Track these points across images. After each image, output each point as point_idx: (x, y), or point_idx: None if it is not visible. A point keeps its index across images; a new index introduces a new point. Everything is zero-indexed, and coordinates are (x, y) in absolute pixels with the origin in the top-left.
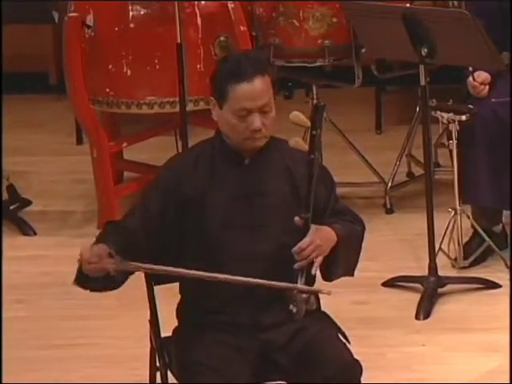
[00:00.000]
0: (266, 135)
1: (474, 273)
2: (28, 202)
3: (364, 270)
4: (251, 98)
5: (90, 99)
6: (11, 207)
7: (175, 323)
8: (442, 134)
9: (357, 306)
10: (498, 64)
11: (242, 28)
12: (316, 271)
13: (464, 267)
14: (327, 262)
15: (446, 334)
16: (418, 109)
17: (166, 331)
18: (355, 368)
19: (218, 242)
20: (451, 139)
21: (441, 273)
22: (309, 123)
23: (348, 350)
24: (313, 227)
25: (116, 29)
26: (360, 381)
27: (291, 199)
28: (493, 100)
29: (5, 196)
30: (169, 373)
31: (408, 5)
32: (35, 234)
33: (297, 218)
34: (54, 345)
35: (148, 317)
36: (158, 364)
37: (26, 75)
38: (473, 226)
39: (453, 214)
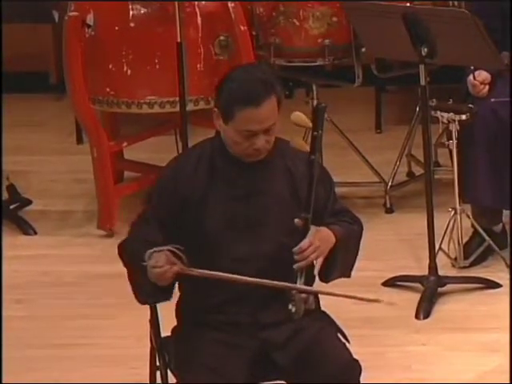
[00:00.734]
0: (268, 149)
1: (474, 272)
2: (28, 202)
3: (364, 270)
4: (258, 121)
5: (90, 99)
6: (11, 207)
7: (175, 323)
8: (442, 133)
9: (357, 306)
10: (498, 64)
11: (242, 27)
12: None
13: (464, 267)
14: (325, 263)
15: (446, 333)
16: (417, 109)
17: (166, 331)
18: (354, 368)
19: (217, 241)
20: (451, 139)
21: (441, 272)
22: (310, 124)
23: (347, 349)
24: (312, 228)
25: (116, 28)
26: (359, 380)
27: (291, 199)
28: (493, 100)
29: (5, 195)
30: (169, 372)
31: (408, 4)
32: (35, 233)
33: (297, 220)
34: (54, 345)
35: (148, 317)
36: (157, 364)
37: (25, 75)
38: (473, 226)
39: (453, 213)
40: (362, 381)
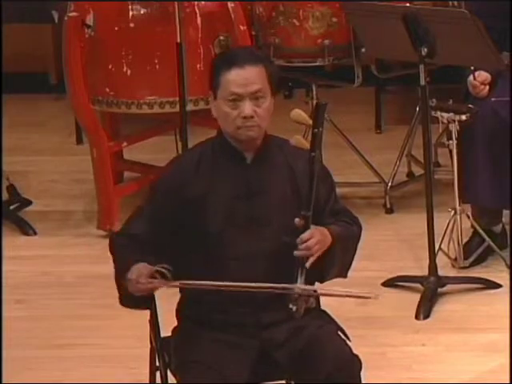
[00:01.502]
0: (259, 124)
1: (474, 273)
2: (28, 202)
3: (364, 270)
4: (241, 83)
5: (90, 99)
6: (11, 207)
7: (175, 323)
8: (442, 133)
9: (357, 306)
10: (498, 64)
11: (241, 27)
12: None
13: (464, 267)
14: (322, 263)
15: (446, 333)
16: (417, 109)
17: (166, 331)
18: (354, 364)
19: (218, 240)
20: (451, 139)
21: (441, 273)
22: (310, 121)
23: (347, 345)
24: (312, 227)
25: (116, 28)
26: (360, 376)
27: (292, 198)
28: (493, 99)
29: (5, 196)
30: (168, 372)
31: (408, 4)
32: (35, 233)
33: (297, 220)
34: (54, 345)
35: (148, 317)
36: (157, 364)
37: (25, 75)
38: (473, 226)
39: (453, 213)
40: (362, 381)
